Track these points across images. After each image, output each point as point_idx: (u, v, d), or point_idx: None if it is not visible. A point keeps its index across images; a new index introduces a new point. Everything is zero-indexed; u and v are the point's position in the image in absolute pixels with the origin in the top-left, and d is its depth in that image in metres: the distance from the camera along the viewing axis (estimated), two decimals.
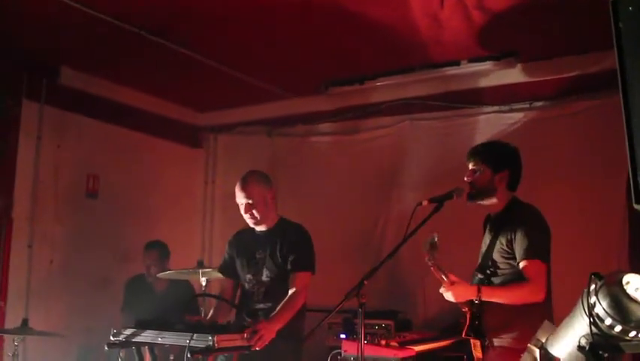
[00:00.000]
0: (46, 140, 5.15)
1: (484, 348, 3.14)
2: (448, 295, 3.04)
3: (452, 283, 3.01)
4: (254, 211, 3.65)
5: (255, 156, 6.08)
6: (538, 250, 3.06)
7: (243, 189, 3.67)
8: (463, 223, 4.10)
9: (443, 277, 3.02)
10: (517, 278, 3.08)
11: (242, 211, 3.70)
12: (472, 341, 3.16)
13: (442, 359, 4.42)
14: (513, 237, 3.11)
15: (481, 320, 3.12)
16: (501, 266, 3.17)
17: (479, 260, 3.34)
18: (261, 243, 3.72)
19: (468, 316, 3.14)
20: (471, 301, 3.09)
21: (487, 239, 3.34)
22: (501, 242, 3.18)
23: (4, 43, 4.64)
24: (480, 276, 3.25)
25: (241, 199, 3.67)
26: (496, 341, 3.12)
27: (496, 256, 3.19)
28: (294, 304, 3.49)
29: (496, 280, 3.18)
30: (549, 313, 3.05)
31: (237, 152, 6.46)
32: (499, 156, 3.31)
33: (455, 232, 4.59)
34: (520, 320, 3.00)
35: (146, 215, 5.91)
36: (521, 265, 3.06)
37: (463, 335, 3.17)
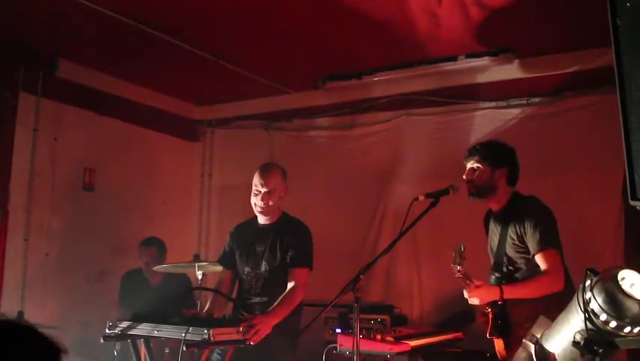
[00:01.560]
0: (43, 132, 5.13)
1: (507, 346, 3.14)
2: (474, 300, 3.06)
3: (477, 287, 3.02)
4: (269, 201, 3.64)
5: (252, 150, 6.08)
6: (550, 239, 3.10)
7: (264, 176, 3.66)
8: (460, 219, 4.11)
9: (468, 282, 3.03)
10: (535, 272, 3.10)
11: (256, 198, 3.67)
12: (494, 339, 3.16)
13: (437, 354, 4.43)
14: (523, 231, 3.14)
15: (504, 318, 3.12)
16: (517, 261, 3.20)
17: (492, 259, 3.35)
18: (262, 236, 3.72)
19: (490, 316, 3.14)
20: (494, 302, 3.10)
21: (494, 237, 3.35)
22: (511, 237, 3.20)
23: (1, 36, 4.61)
24: (497, 275, 3.26)
25: (260, 187, 3.66)
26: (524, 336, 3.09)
27: (509, 252, 3.21)
28: (291, 299, 3.49)
29: (518, 275, 3.20)
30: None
31: (234, 146, 6.46)
32: (497, 154, 3.34)
33: (452, 228, 4.60)
34: (548, 311, 2.96)
35: (143, 208, 5.91)
36: (537, 257, 3.09)
37: (488, 335, 3.16)
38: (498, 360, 3.19)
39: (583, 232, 4.57)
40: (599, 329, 1.74)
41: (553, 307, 2.82)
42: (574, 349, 1.80)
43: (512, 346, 3.13)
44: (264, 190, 3.64)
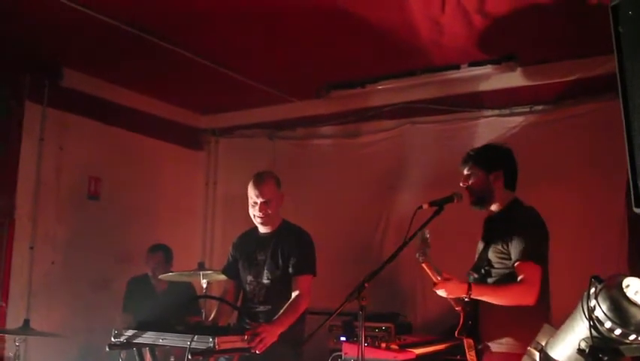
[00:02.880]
0: (49, 142, 5.16)
1: (477, 350, 3.14)
2: (440, 292, 3.05)
3: (445, 280, 3.02)
4: (268, 210, 3.65)
5: (255, 158, 6.08)
6: (533, 252, 3.06)
7: (258, 187, 3.66)
8: (463, 226, 4.10)
9: (436, 274, 3.03)
10: (511, 279, 3.08)
11: (254, 210, 3.69)
12: (465, 341, 3.17)
13: None
14: (509, 238, 3.12)
15: (475, 320, 3.13)
16: (496, 266, 3.18)
17: (475, 260, 3.36)
18: (263, 245, 3.73)
19: (462, 315, 3.16)
20: (463, 301, 3.10)
21: (483, 240, 3.36)
22: (497, 242, 3.18)
23: (7, 45, 4.65)
24: (475, 275, 3.26)
25: (255, 198, 3.67)
26: (495, 347, 3.12)
27: (491, 256, 3.20)
28: (297, 307, 3.49)
29: (490, 280, 3.20)
30: (547, 317, 3.06)
31: (238, 155, 6.47)
32: (490, 157, 3.34)
33: (455, 235, 4.60)
34: (517, 323, 3.01)
35: (148, 217, 5.92)
36: (516, 266, 3.06)
37: (456, 335, 3.19)
38: None
39: (586, 240, 4.57)
40: (604, 336, 1.74)
41: (526, 321, 2.85)
42: (579, 357, 1.80)
43: (485, 355, 3.14)
44: (260, 201, 3.65)
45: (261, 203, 3.65)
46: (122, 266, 5.55)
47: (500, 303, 3.03)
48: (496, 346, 3.11)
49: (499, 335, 3.10)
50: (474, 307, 3.13)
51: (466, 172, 3.33)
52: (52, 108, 5.17)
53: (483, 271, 3.24)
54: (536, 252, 3.08)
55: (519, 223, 3.15)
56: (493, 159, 3.33)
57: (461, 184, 3.32)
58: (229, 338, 3.09)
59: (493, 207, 3.33)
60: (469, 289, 3.01)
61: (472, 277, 3.27)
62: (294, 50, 4.72)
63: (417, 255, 3.01)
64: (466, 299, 3.06)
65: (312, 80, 5.44)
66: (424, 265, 3.03)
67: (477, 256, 3.36)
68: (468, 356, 3.17)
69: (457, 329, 3.17)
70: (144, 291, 5.21)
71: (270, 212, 3.67)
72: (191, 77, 5.36)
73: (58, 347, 4.86)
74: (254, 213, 3.70)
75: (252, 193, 3.69)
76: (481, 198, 3.29)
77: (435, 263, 3.06)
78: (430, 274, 3.06)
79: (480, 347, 3.15)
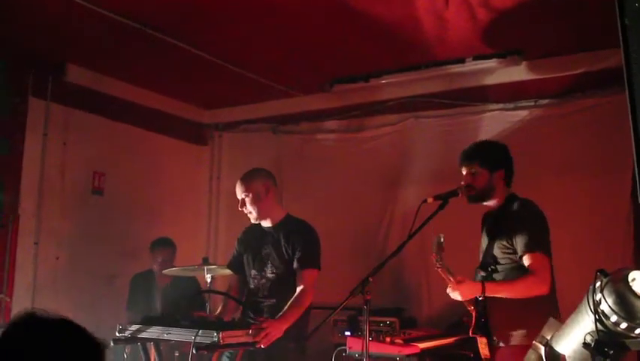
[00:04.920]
0: (53, 137, 5.16)
1: (491, 346, 3.14)
2: (455, 295, 3.07)
3: (458, 282, 3.03)
4: (247, 205, 3.70)
5: (259, 153, 6.09)
6: (539, 243, 3.10)
7: (240, 184, 3.74)
8: (467, 221, 4.10)
9: (450, 277, 3.03)
10: (519, 272, 3.10)
11: (241, 208, 3.74)
12: (478, 339, 3.17)
13: (447, 356, 4.42)
14: (513, 232, 3.15)
15: (487, 317, 3.13)
16: (501, 262, 3.20)
17: (480, 258, 3.37)
18: (267, 239, 3.74)
19: (474, 314, 3.15)
20: (476, 299, 3.10)
21: (486, 236, 3.37)
22: (501, 238, 3.21)
23: (10, 41, 4.65)
24: (482, 273, 3.28)
25: (238, 195, 3.74)
26: (506, 340, 3.12)
27: (496, 252, 3.22)
28: (301, 302, 3.50)
29: (497, 276, 3.20)
30: (555, 307, 3.07)
31: (242, 149, 6.47)
32: (493, 156, 3.36)
33: (459, 230, 4.60)
34: (527, 315, 3.02)
35: (152, 212, 5.93)
36: (524, 258, 3.09)
37: (471, 334, 3.18)
38: None
39: (591, 234, 4.56)
40: (609, 330, 1.73)
41: (536, 313, 2.87)
42: (584, 350, 1.80)
43: (497, 349, 3.15)
44: (240, 197, 3.72)
45: (240, 200, 3.73)
46: (127, 261, 5.55)
47: (515, 297, 3.05)
48: (507, 339, 3.12)
49: (513, 329, 3.10)
50: (485, 305, 3.14)
51: (469, 170, 3.34)
52: (56, 104, 5.16)
53: (490, 268, 3.25)
54: (541, 242, 3.12)
55: (521, 216, 3.18)
56: (497, 158, 3.37)
57: (463, 182, 3.32)
58: (233, 332, 3.09)
59: (492, 203, 3.36)
60: (483, 288, 3.03)
61: (479, 275, 3.28)
62: (297, 44, 4.71)
63: (434, 260, 3.00)
64: (480, 299, 3.07)
65: (316, 75, 5.43)
66: (439, 270, 3.03)
67: (482, 253, 3.37)
68: (482, 352, 3.18)
69: (471, 328, 3.17)
70: (148, 287, 5.21)
71: (250, 208, 3.70)
72: (194, 72, 5.35)
73: None
74: (244, 211, 3.75)
75: (236, 192, 3.77)
76: (481, 196, 3.33)
77: (447, 261, 3.06)
78: (444, 277, 3.07)
79: (494, 342, 3.15)
